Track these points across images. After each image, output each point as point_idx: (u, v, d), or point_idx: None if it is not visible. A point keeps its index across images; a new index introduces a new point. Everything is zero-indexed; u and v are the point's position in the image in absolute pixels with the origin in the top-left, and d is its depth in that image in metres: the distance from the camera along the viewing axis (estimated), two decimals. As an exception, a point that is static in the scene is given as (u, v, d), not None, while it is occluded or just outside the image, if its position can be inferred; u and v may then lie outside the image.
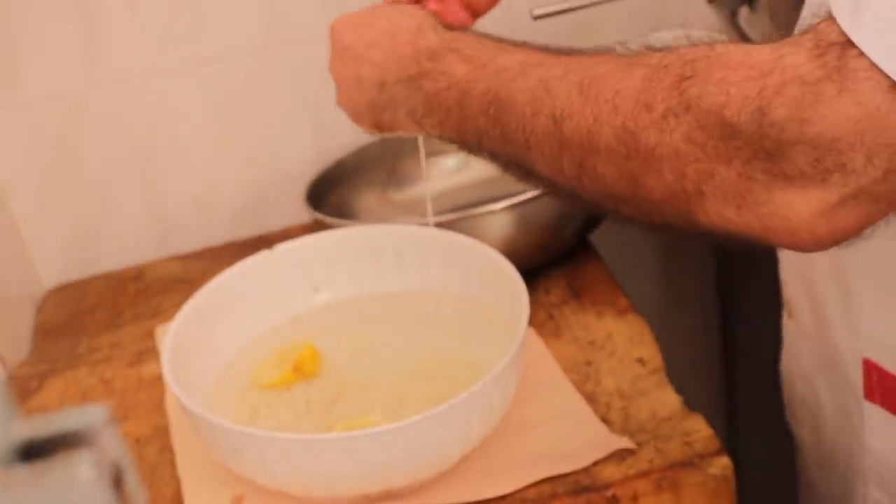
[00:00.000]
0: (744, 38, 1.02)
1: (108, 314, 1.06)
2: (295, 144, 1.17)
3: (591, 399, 0.82)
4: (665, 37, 1.07)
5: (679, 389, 0.82)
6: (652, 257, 1.33)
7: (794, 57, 0.49)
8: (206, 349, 0.84)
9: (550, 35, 0.91)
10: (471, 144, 0.65)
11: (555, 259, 1.00)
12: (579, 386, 0.83)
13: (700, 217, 0.54)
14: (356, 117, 0.74)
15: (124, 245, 1.16)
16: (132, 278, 1.13)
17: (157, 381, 0.90)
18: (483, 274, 0.86)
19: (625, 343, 0.88)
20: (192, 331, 0.83)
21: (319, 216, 1.00)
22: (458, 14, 0.74)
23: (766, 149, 0.49)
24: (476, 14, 0.76)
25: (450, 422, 0.71)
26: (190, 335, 0.82)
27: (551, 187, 0.62)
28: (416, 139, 0.85)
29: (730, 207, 0.52)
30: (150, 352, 0.97)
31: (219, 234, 1.18)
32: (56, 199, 1.14)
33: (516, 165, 0.62)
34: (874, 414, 0.73)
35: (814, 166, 0.49)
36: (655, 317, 0.95)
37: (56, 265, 1.15)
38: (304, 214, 1.04)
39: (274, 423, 0.79)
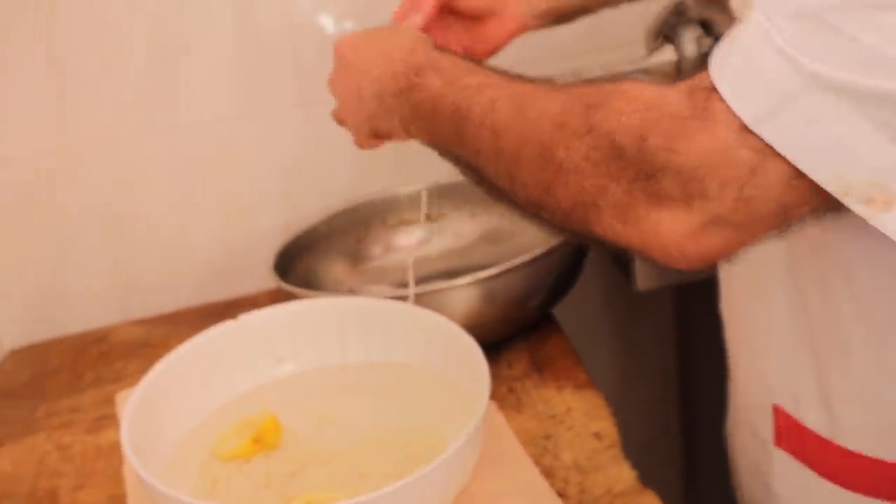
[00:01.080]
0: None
1: (68, 377, 1.06)
2: (265, 211, 1.18)
3: (548, 473, 0.82)
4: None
5: (636, 463, 0.83)
6: (614, 329, 1.35)
7: (672, 96, 0.57)
8: (167, 418, 0.84)
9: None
10: (441, 150, 0.73)
11: (518, 332, 1.01)
12: (537, 460, 0.84)
13: (595, 227, 0.61)
14: (356, 128, 0.82)
15: (88, 307, 1.16)
16: (95, 341, 1.13)
17: (116, 448, 0.89)
18: (446, 348, 0.86)
19: (583, 417, 0.89)
20: (153, 399, 0.83)
21: (285, 286, 1.00)
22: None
23: (644, 171, 0.57)
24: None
25: (408, 497, 0.71)
26: (151, 403, 0.82)
27: (496, 193, 0.69)
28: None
29: (617, 221, 0.59)
30: (109, 418, 0.97)
31: (184, 299, 1.18)
32: (20, 258, 1.14)
33: (473, 171, 0.70)
34: (782, 461, 0.77)
35: (680, 191, 0.56)
36: (615, 389, 0.97)
37: (18, 326, 1.15)
38: (272, 281, 1.05)
39: (232, 497, 0.79)
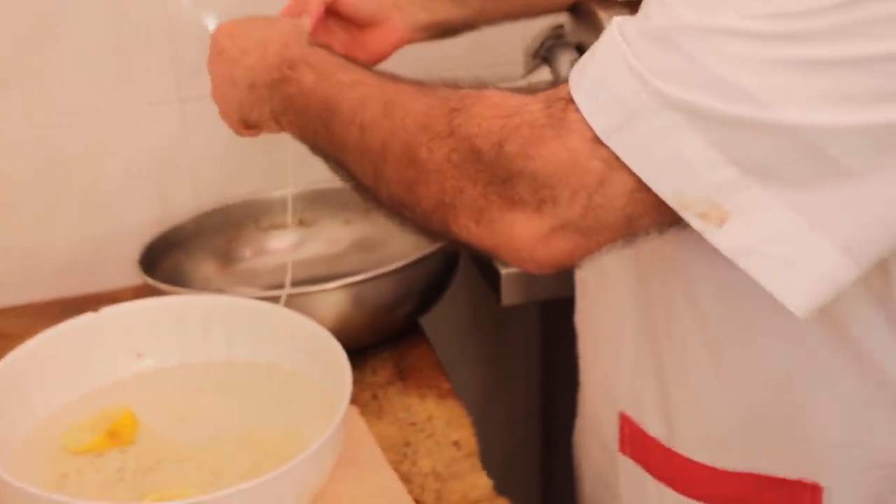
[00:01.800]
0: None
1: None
2: (133, 206, 1.16)
3: (406, 479, 0.83)
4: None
5: (496, 473, 0.85)
6: (479, 342, 1.37)
7: (531, 105, 0.59)
8: (18, 409, 0.82)
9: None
10: (310, 144, 0.75)
11: (384, 340, 1.01)
12: (396, 466, 0.84)
13: (454, 227, 0.63)
14: (226, 114, 0.82)
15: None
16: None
17: (-37, 439, 0.86)
18: (310, 350, 0.86)
19: (443, 426, 0.90)
20: (4, 389, 0.80)
21: (151, 281, 0.99)
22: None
23: (500, 175, 0.59)
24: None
25: (263, 496, 0.71)
26: (1, 394, 0.80)
27: (363, 191, 0.71)
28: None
29: (473, 222, 0.61)
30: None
31: (43, 292, 1.15)
32: None
33: (341, 168, 0.72)
34: (626, 467, 0.80)
35: (533, 195, 0.58)
36: (479, 400, 0.98)
37: None
38: (137, 277, 1.03)
39: (82, 490, 0.77)
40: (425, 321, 1.06)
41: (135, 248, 1.05)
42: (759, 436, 0.71)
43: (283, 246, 1.16)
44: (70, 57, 1.10)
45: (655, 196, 0.56)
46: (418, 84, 0.68)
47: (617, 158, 0.56)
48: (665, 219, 0.58)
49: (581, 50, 1.02)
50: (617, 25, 0.57)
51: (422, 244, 1.11)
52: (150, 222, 1.14)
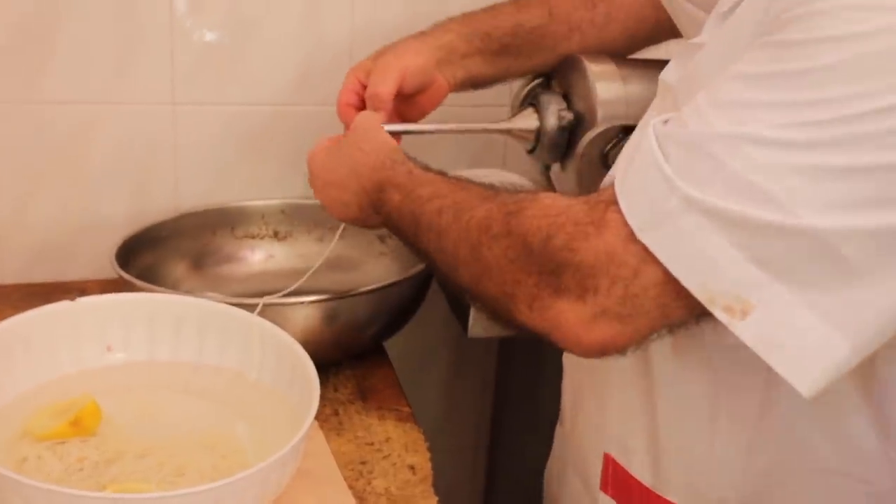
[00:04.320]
0: (552, 189, 1.12)
1: None
2: (113, 200, 1.17)
3: (360, 497, 0.85)
4: (481, 172, 1.16)
5: (442, 499, 0.87)
6: (441, 369, 1.39)
7: (576, 206, 0.68)
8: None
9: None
10: (410, 248, 0.84)
11: (349, 358, 1.03)
12: (351, 483, 0.86)
13: (516, 315, 0.70)
14: (320, 194, 0.93)
15: None
16: None
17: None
18: (280, 361, 0.88)
19: (400, 449, 0.92)
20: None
21: (125, 275, 1.00)
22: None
23: (548, 267, 0.66)
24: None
25: (223, 499, 0.72)
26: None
27: (447, 283, 0.79)
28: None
29: (528, 309, 0.68)
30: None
31: (13, 274, 1.15)
32: None
33: (429, 264, 0.81)
34: None
35: (577, 285, 0.65)
36: (433, 427, 1.00)
37: None
38: (109, 270, 1.04)
39: (41, 476, 0.78)
40: (390, 343, 1.08)
41: (110, 242, 1.07)
42: (749, 487, 0.75)
43: (254, 256, 1.18)
44: (70, 46, 1.11)
45: (685, 288, 0.62)
46: (485, 189, 0.76)
47: (650, 253, 0.62)
48: (696, 309, 0.63)
49: (567, 98, 1.05)
50: (654, 132, 0.64)
51: (391, 269, 1.14)
52: (128, 218, 1.16)
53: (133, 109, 1.15)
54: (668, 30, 1.02)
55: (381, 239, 1.17)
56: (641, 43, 1.06)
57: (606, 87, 1.02)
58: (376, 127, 0.91)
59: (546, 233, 0.67)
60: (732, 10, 0.72)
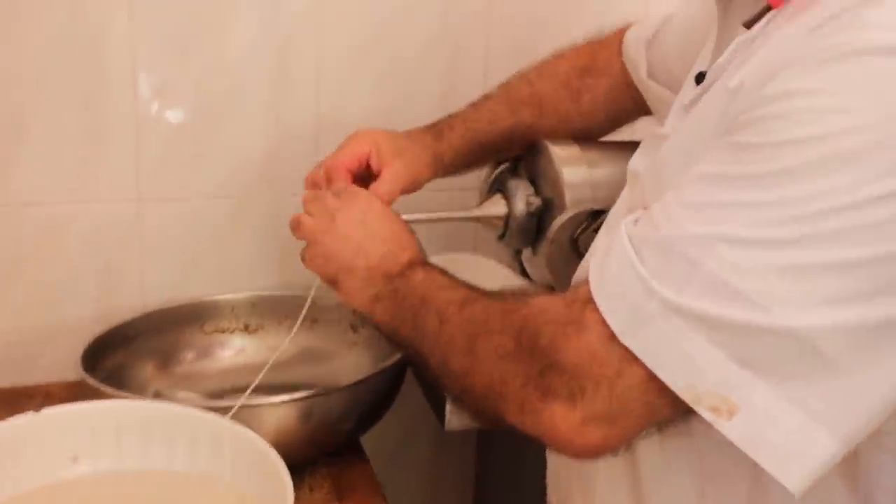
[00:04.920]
0: (524, 273, 1.11)
1: None
2: (78, 300, 1.15)
3: None
4: (457, 257, 1.15)
5: None
6: (418, 462, 1.36)
7: (556, 305, 0.68)
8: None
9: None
10: (392, 329, 0.82)
11: (324, 455, 1.01)
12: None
13: (506, 415, 0.69)
14: (323, 261, 0.90)
15: None
16: None
17: None
18: (252, 466, 0.85)
19: (378, 548, 0.89)
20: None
21: (91, 381, 0.97)
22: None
23: (537, 367, 0.66)
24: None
25: None
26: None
27: (429, 372, 0.78)
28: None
29: (519, 411, 0.68)
30: None
31: (-24, 380, 1.13)
32: None
33: (412, 350, 0.80)
34: None
35: (564, 387, 0.65)
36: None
37: None
38: (75, 372, 1.01)
39: None
40: (366, 437, 1.06)
41: (75, 343, 1.04)
42: None
43: (225, 351, 1.16)
44: (35, 146, 1.10)
45: (670, 388, 0.62)
46: (495, 292, 0.77)
47: (631, 353, 0.62)
48: (682, 406, 0.62)
49: (535, 183, 1.05)
50: (626, 232, 0.65)
51: (365, 360, 1.12)
52: (94, 318, 1.14)
53: (98, 208, 1.14)
54: (645, 109, 1.04)
55: (354, 328, 1.15)
56: (623, 121, 1.09)
57: (573, 171, 1.02)
58: (389, 213, 0.92)
59: (534, 331, 0.67)
60: (694, 102, 0.74)
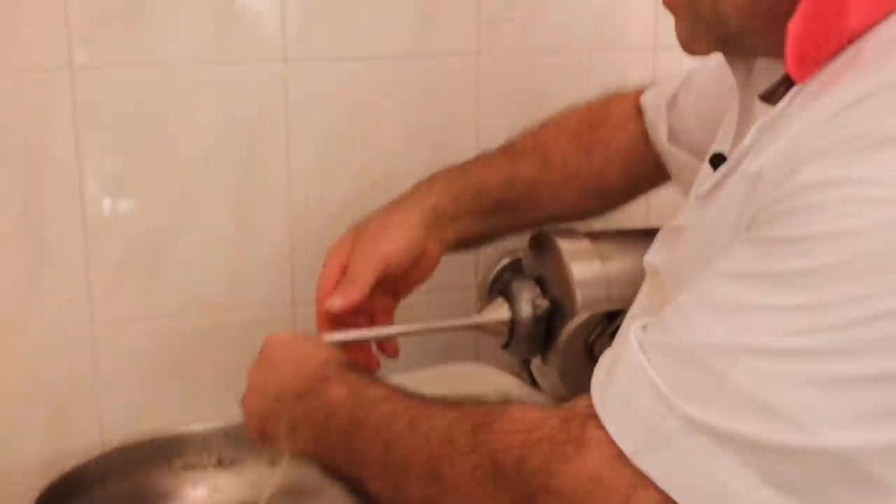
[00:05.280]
0: (534, 383, 1.01)
1: None
2: (26, 442, 1.04)
3: None
4: (457, 369, 1.05)
5: None
6: None
7: (550, 420, 0.59)
8: None
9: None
10: (323, 459, 0.74)
11: None
12: None
13: None
14: (249, 420, 0.82)
15: None
16: None
17: None
18: None
19: None
20: None
21: (44, 540, 0.85)
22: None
23: (523, 493, 0.58)
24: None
25: None
26: None
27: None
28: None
29: None
30: None
31: None
32: None
33: (354, 483, 0.71)
34: None
35: None
36: None
37: None
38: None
39: None
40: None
41: (23, 493, 0.92)
42: None
43: (196, 491, 1.03)
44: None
45: None
46: (444, 400, 0.68)
47: (642, 475, 0.55)
48: None
49: (540, 283, 0.95)
50: (636, 339, 0.58)
51: (355, 496, 1.00)
52: (43, 462, 1.02)
53: (44, 334, 1.03)
54: (666, 174, 0.98)
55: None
56: (643, 187, 1.01)
57: (583, 267, 0.93)
58: (295, 341, 0.84)
59: (519, 453, 0.59)
60: (713, 190, 0.68)
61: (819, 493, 0.53)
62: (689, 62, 0.92)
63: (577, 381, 0.91)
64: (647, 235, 0.96)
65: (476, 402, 0.67)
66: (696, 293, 0.58)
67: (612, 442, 0.56)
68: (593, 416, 0.57)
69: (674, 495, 0.54)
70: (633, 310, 0.78)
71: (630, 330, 0.59)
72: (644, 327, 0.59)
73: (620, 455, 0.56)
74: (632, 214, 1.03)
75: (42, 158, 1.00)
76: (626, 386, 0.57)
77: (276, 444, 0.79)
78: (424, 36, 1.09)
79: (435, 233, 0.91)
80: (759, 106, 0.67)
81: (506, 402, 0.69)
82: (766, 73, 0.68)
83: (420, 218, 0.91)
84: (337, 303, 0.86)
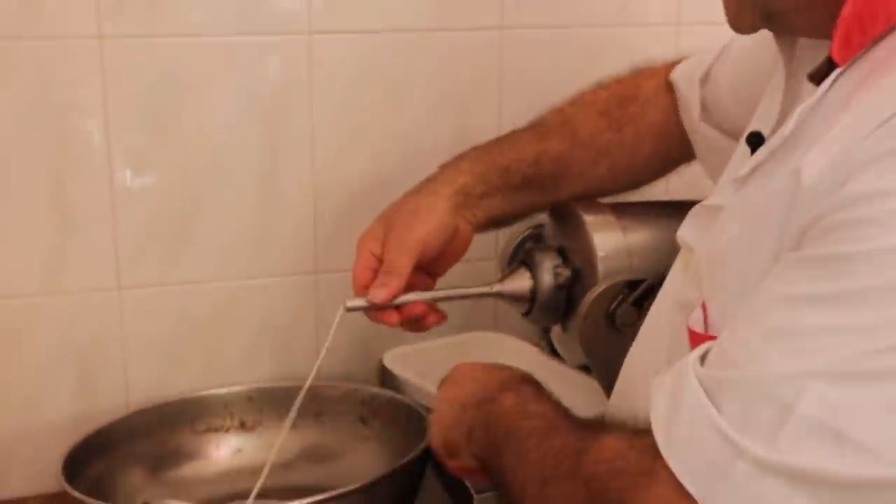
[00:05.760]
0: (554, 352, 1.02)
1: None
2: (55, 403, 1.05)
3: None
4: (476, 337, 1.05)
5: None
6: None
7: (629, 452, 0.58)
8: None
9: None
10: (487, 463, 0.73)
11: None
12: None
13: None
14: (436, 435, 0.83)
15: None
16: None
17: None
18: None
19: None
20: None
21: (74, 493, 0.86)
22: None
23: None
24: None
25: None
26: None
27: None
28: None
29: None
30: None
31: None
32: None
33: (504, 489, 0.70)
34: None
35: None
36: None
37: None
38: (54, 484, 0.89)
39: None
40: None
41: (53, 450, 0.93)
42: None
43: (220, 452, 1.05)
44: (1, 232, 1.00)
45: None
46: (575, 417, 0.69)
47: None
48: None
49: (562, 253, 0.97)
50: (696, 375, 0.56)
51: (379, 457, 1.01)
52: (73, 421, 1.03)
53: (73, 299, 1.04)
54: (692, 155, 0.96)
55: (363, 421, 1.05)
56: (672, 164, 0.99)
57: (605, 237, 0.94)
58: (483, 364, 0.84)
59: (604, 482, 0.59)
60: (749, 177, 0.65)
61: None
62: (712, 39, 0.92)
63: (599, 350, 0.92)
64: (668, 207, 0.98)
65: (589, 421, 0.69)
66: (755, 321, 0.55)
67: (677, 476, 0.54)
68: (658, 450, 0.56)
69: None
70: (667, 285, 0.78)
71: (688, 362, 0.57)
72: (701, 358, 0.57)
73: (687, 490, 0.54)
74: (650, 191, 1.03)
75: (70, 129, 1.01)
76: (690, 430, 0.54)
77: (458, 457, 0.79)
78: (448, 10, 1.10)
79: (465, 213, 0.91)
80: (806, 86, 0.65)
81: (602, 427, 0.66)
82: (811, 52, 0.66)
83: (449, 199, 0.91)
84: (381, 294, 0.86)
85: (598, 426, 0.66)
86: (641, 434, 0.58)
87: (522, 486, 0.67)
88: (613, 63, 1.03)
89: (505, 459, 0.69)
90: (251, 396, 1.07)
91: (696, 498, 0.53)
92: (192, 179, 1.06)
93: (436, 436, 0.83)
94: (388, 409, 1.03)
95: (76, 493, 0.86)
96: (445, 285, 0.94)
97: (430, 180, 0.93)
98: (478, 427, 0.75)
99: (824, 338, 0.50)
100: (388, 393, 1.05)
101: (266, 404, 1.06)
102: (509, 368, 0.81)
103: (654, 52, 1.02)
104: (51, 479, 0.90)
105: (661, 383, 0.59)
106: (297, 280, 1.11)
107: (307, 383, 0.87)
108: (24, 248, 1.01)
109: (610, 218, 0.94)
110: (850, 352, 0.49)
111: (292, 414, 0.87)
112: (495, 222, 0.96)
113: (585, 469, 0.60)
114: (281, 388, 1.06)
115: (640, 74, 0.99)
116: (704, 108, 0.92)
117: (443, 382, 0.84)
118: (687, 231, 0.73)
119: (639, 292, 0.91)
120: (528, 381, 0.77)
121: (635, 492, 0.56)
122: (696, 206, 0.73)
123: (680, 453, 0.55)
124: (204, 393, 1.06)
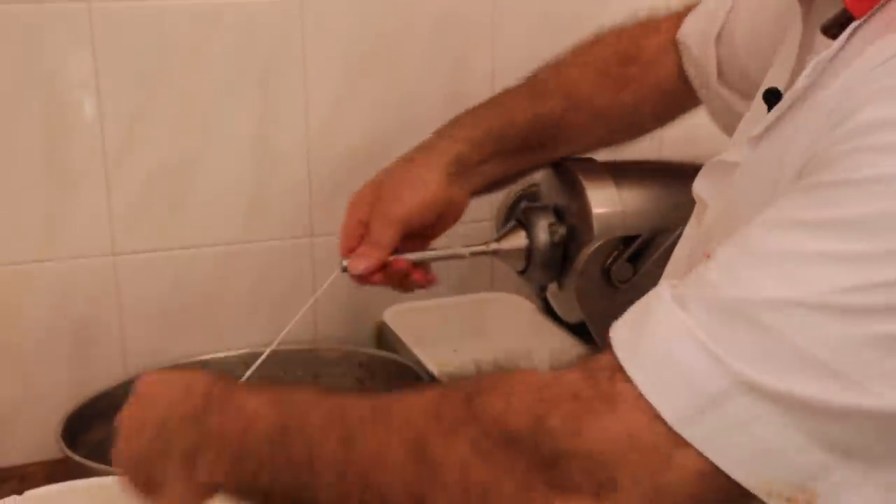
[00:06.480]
0: (549, 311, 1.02)
1: None
2: (53, 368, 1.05)
3: None
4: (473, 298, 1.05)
5: None
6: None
7: (567, 376, 0.53)
8: None
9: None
10: (246, 483, 0.60)
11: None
12: None
13: None
14: (126, 472, 0.66)
15: None
16: None
17: None
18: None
19: None
20: None
21: (74, 457, 0.87)
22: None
23: (543, 458, 0.51)
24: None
25: None
26: None
27: None
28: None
29: None
30: None
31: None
32: None
33: (300, 499, 0.59)
34: None
35: (589, 479, 0.50)
36: None
37: None
38: (54, 450, 0.91)
39: None
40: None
41: (52, 417, 0.94)
42: None
43: (219, 416, 1.05)
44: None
45: (729, 477, 0.50)
46: (409, 388, 0.59)
47: (682, 437, 0.50)
48: (734, 497, 0.51)
49: (558, 212, 0.97)
50: (671, 294, 0.52)
51: None
52: (70, 387, 1.03)
53: (68, 266, 1.04)
54: (696, 99, 0.93)
55: (361, 382, 1.06)
56: (673, 119, 0.97)
57: (600, 194, 0.94)
58: (171, 373, 0.71)
59: (535, 412, 0.52)
60: (765, 134, 0.63)
61: (872, 453, 0.50)
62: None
63: (595, 305, 0.93)
64: (663, 167, 0.98)
65: (457, 378, 0.59)
66: (740, 244, 0.52)
67: (644, 397, 0.50)
68: (620, 368, 0.51)
69: (718, 462, 0.50)
70: (682, 241, 0.74)
71: (660, 285, 0.54)
72: (675, 286, 0.53)
73: (657, 414, 0.50)
74: (643, 147, 1.02)
75: (63, 91, 1.00)
76: (663, 344, 0.51)
77: (168, 489, 0.63)
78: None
79: (461, 181, 0.90)
80: (821, 39, 0.61)
81: (501, 369, 0.58)
82: (828, 4, 0.62)
83: (444, 169, 0.89)
84: (360, 266, 0.86)
85: (463, 378, 0.57)
86: (589, 360, 0.53)
87: (368, 470, 0.55)
88: (610, 13, 0.98)
89: (296, 463, 0.58)
90: (249, 361, 1.06)
91: (670, 422, 0.50)
92: (186, 144, 1.06)
93: (127, 474, 0.66)
94: (386, 370, 1.04)
95: (77, 458, 0.87)
96: (442, 246, 0.94)
97: (425, 148, 0.92)
98: (205, 448, 0.61)
99: (816, 264, 0.49)
100: (386, 354, 1.05)
101: (264, 368, 1.06)
102: (208, 373, 0.66)
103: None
104: (50, 445, 0.91)
105: (624, 317, 0.55)
106: (293, 243, 1.11)
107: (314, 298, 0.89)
108: (19, 216, 1.01)
109: (604, 176, 0.95)
110: (838, 283, 0.48)
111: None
112: (494, 185, 0.95)
113: (494, 409, 0.53)
114: (278, 352, 1.06)
115: (640, 32, 0.94)
116: (721, 69, 0.88)
117: (124, 409, 0.68)
118: (702, 186, 0.71)
119: (633, 248, 0.91)
120: (247, 383, 0.68)
121: (591, 419, 0.50)
122: (712, 161, 0.71)
123: (649, 369, 0.51)
124: (201, 357, 1.07)
